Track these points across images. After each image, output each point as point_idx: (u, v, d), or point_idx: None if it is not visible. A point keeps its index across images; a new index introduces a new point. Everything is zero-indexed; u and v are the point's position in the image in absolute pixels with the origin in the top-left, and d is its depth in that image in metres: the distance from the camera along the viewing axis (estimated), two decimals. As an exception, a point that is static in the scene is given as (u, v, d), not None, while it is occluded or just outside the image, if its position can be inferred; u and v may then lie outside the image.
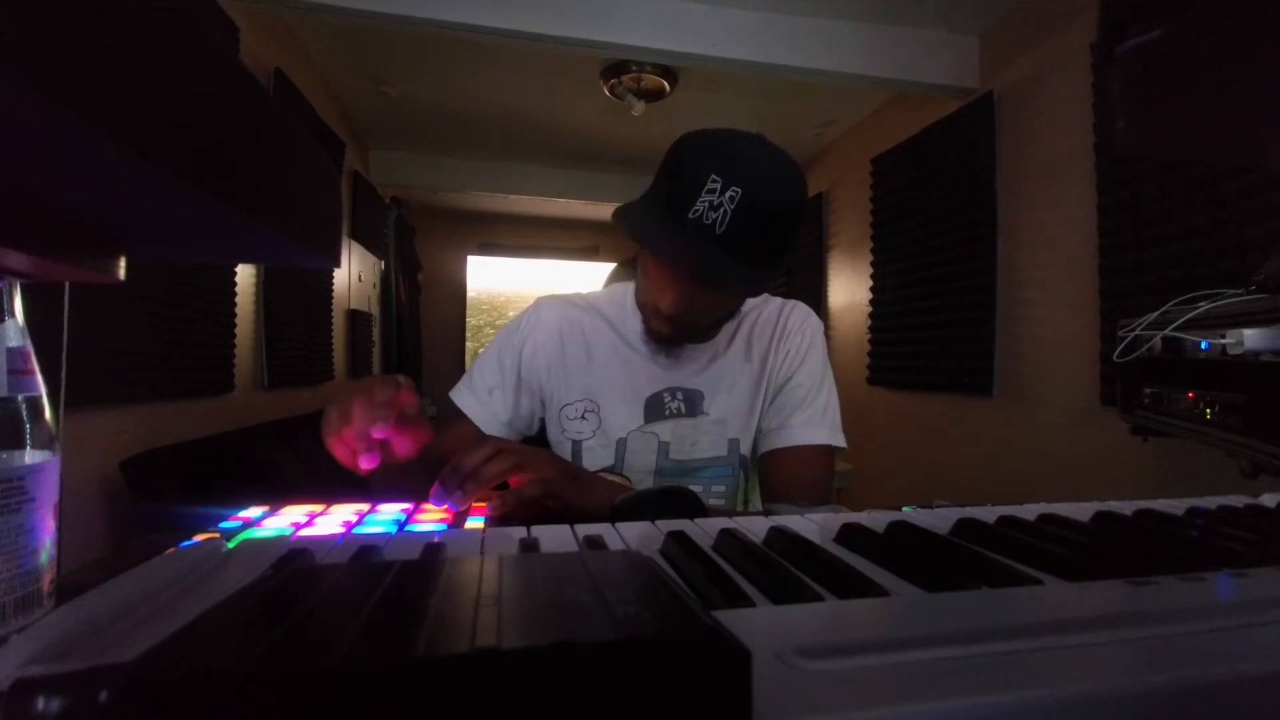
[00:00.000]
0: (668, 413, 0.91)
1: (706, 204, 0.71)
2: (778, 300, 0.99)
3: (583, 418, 0.90)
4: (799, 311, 0.97)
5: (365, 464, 0.62)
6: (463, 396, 0.92)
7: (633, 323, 0.93)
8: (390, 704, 0.15)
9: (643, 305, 0.87)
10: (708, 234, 0.71)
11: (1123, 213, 1.79)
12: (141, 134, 0.25)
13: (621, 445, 0.89)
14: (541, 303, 0.97)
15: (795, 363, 0.92)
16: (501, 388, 0.92)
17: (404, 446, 0.67)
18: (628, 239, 0.78)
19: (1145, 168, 1.72)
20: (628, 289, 0.97)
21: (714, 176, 0.71)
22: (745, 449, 0.92)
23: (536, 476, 0.64)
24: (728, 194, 0.70)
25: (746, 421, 0.92)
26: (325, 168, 0.50)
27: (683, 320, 0.81)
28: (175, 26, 0.28)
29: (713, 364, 0.93)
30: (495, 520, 0.59)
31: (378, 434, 0.62)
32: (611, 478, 0.81)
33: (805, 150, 3.77)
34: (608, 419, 0.90)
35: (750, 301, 0.96)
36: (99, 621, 0.25)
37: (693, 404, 0.91)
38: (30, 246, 0.31)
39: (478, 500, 0.62)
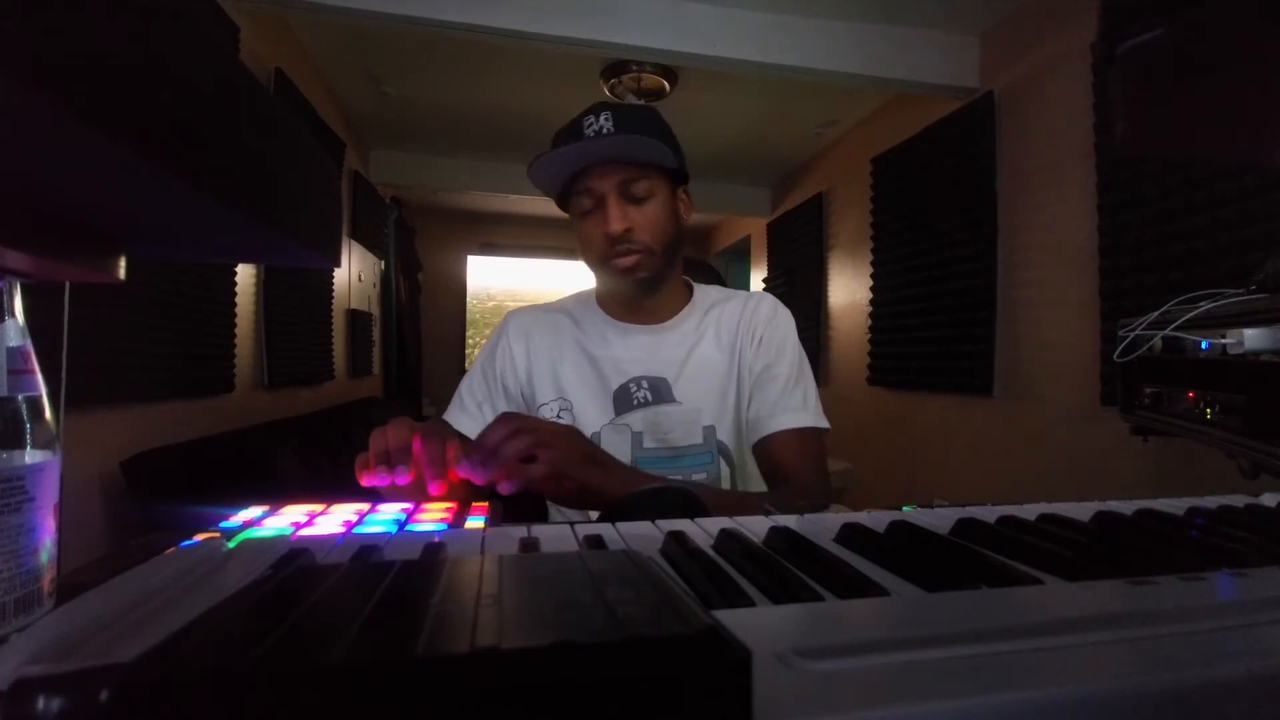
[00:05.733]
0: (635, 402, 0.92)
1: (591, 129, 0.85)
2: (743, 293, 1.03)
3: (559, 416, 0.93)
4: (767, 302, 0.99)
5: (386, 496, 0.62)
6: (456, 417, 0.95)
7: (594, 320, 0.98)
8: (390, 703, 0.15)
9: (600, 257, 0.90)
10: (602, 135, 0.85)
11: (1123, 213, 1.79)
12: (142, 134, 0.25)
13: (596, 440, 0.90)
14: (510, 315, 1.02)
15: (771, 353, 0.95)
16: (490, 399, 0.96)
17: (436, 491, 0.66)
18: (542, 186, 0.89)
19: (1145, 168, 1.72)
20: (590, 290, 1.03)
21: (586, 117, 0.87)
22: (724, 436, 0.93)
23: (549, 456, 0.64)
24: (602, 116, 0.86)
25: (720, 409, 0.93)
26: (325, 168, 0.50)
27: (635, 233, 0.87)
28: (175, 26, 0.28)
29: (676, 350, 0.95)
30: (511, 493, 0.60)
31: (433, 489, 0.62)
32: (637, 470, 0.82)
33: (805, 150, 3.77)
34: (580, 416, 0.93)
35: (714, 295, 1.02)
36: (99, 621, 0.25)
37: (659, 392, 0.93)
38: (30, 246, 0.31)
39: (499, 478, 0.61)
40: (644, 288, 0.92)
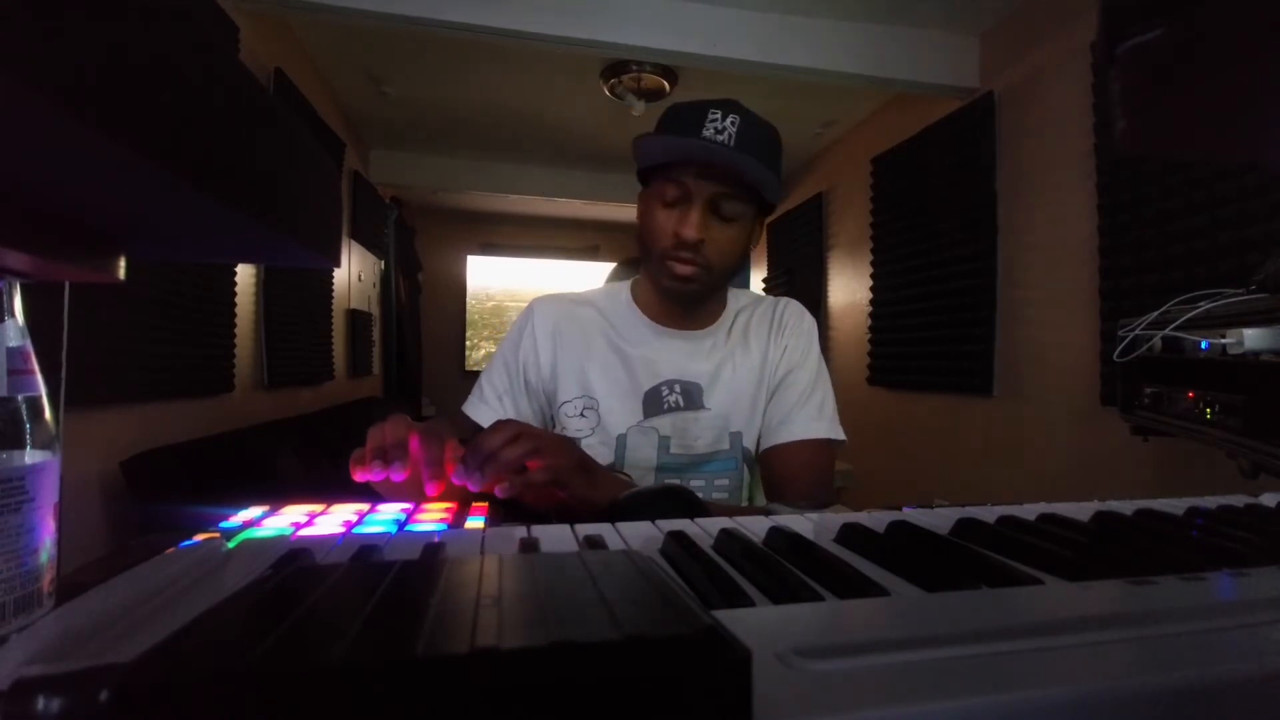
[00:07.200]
0: (666, 406, 0.91)
1: (714, 127, 0.83)
2: (771, 298, 1.02)
3: (581, 415, 0.90)
4: (794, 308, 1.00)
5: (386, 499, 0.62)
6: (476, 409, 0.93)
7: (629, 318, 0.95)
8: (390, 704, 0.15)
9: (660, 251, 0.86)
10: (721, 144, 0.82)
11: (1123, 213, 1.79)
12: (142, 134, 0.25)
13: (621, 441, 0.90)
14: (536, 303, 0.98)
15: (795, 358, 0.95)
16: (511, 393, 0.93)
17: (434, 491, 0.66)
18: (644, 160, 0.86)
19: (1145, 168, 1.72)
20: (623, 286, 0.99)
21: (713, 111, 0.84)
22: (749, 442, 0.93)
23: (547, 463, 0.64)
24: (729, 119, 0.83)
25: (749, 415, 0.93)
26: (325, 168, 0.50)
27: (706, 248, 0.85)
28: (175, 27, 0.28)
29: (710, 356, 0.94)
30: (507, 496, 0.61)
31: (430, 490, 0.62)
32: (621, 476, 0.81)
33: (805, 150, 3.77)
34: (606, 416, 0.90)
35: (743, 300, 1.01)
36: (99, 621, 0.25)
37: (691, 397, 0.91)
38: (30, 246, 0.31)
39: (495, 483, 0.61)
40: (687, 299, 0.90)
